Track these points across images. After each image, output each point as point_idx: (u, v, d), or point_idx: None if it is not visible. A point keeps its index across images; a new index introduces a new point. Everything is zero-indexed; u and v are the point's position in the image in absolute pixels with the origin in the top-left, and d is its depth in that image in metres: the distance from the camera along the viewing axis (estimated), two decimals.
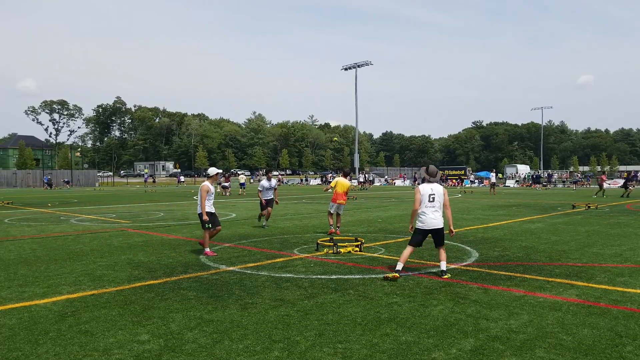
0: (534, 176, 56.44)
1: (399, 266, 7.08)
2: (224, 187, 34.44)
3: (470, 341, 4.43)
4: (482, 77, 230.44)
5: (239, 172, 42.21)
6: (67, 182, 58.02)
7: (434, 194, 7.11)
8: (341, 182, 12.00)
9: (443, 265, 7.16)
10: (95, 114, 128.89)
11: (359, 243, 9.47)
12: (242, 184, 37.25)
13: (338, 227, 12.01)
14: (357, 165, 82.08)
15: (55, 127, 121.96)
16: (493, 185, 35.90)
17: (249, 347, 4.30)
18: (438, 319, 5.07)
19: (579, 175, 56.97)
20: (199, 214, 9.13)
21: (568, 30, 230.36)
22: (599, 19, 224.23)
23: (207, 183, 9.14)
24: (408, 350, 4.22)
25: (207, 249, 8.99)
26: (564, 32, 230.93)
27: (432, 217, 7.09)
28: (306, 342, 4.41)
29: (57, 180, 59.88)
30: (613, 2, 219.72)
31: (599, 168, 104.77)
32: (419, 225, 7.16)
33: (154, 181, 63.07)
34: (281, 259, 8.51)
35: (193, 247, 10.01)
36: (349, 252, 9.10)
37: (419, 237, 7.21)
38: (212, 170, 9.48)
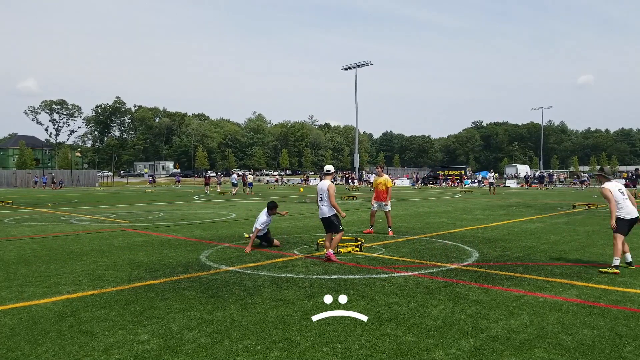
0: (539, 176, 55.80)
1: (617, 261, 7.36)
2: (234, 185, 35.08)
3: (470, 341, 4.43)
4: (482, 77, 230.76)
5: (247, 173, 43.34)
6: (36, 183, 57.66)
7: (621, 189, 7.82)
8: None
9: (629, 257, 7.69)
10: (94, 113, 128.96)
11: (359, 243, 9.47)
12: (249, 184, 37.82)
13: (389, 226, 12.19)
14: (357, 165, 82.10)
15: (55, 127, 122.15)
16: (491, 184, 36.55)
17: (249, 347, 4.30)
18: (438, 319, 5.06)
19: (585, 174, 55.94)
20: (331, 216, 8.39)
21: (568, 31, 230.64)
22: (599, 19, 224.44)
23: (331, 182, 8.63)
24: (408, 350, 4.22)
25: (332, 251, 8.28)
26: (564, 32, 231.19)
27: (632, 207, 7.64)
28: (306, 342, 4.41)
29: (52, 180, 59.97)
30: (613, 3, 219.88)
31: (598, 168, 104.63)
32: (626, 216, 7.58)
33: (154, 181, 63.12)
34: (281, 259, 8.51)
35: (193, 247, 10.01)
36: (349, 252, 9.10)
37: (625, 227, 7.62)
38: (332, 168, 9.01)
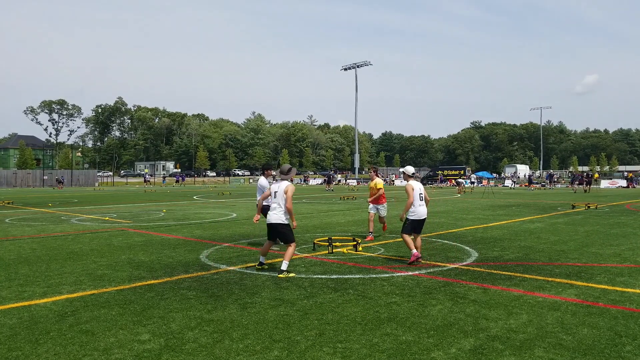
0: (575, 176, 53.91)
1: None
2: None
3: (470, 341, 4.44)
4: (480, 78, 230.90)
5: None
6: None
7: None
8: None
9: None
10: (94, 114, 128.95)
11: (355, 243, 9.48)
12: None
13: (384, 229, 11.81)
14: (357, 165, 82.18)
15: (55, 127, 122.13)
16: (459, 184, 41.36)
17: (249, 347, 4.31)
18: (437, 319, 5.08)
19: (591, 174, 54.97)
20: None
21: (567, 32, 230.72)
22: (599, 22, 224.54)
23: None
24: (408, 349, 4.23)
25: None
26: (564, 33, 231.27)
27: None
28: (306, 342, 4.42)
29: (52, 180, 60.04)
30: (612, 8, 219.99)
31: (598, 168, 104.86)
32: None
33: (148, 181, 63.18)
34: (281, 259, 8.50)
35: (193, 247, 10.02)
36: (343, 252, 9.11)
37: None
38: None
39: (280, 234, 7.26)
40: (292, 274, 7.14)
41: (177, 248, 9.86)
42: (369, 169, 12.68)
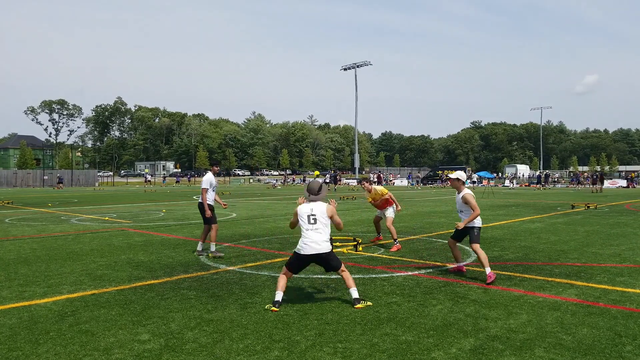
0: (537, 176, 55.39)
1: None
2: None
3: (470, 341, 4.44)
4: (481, 78, 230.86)
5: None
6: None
7: None
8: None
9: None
10: (94, 114, 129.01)
11: (355, 243, 9.47)
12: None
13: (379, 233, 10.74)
14: (357, 165, 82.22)
15: (55, 127, 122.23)
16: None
17: (249, 347, 4.31)
18: (437, 319, 5.07)
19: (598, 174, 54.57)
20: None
21: (568, 32, 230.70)
22: (599, 22, 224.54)
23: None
24: (408, 349, 4.23)
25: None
26: (564, 33, 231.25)
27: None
28: (306, 342, 4.42)
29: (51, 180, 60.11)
30: (611, 8, 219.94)
31: (598, 168, 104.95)
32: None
33: (149, 181, 63.23)
34: (281, 259, 8.51)
35: (193, 247, 10.02)
36: (343, 252, 9.12)
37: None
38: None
39: (327, 264, 5.80)
40: (369, 303, 5.66)
41: (177, 248, 9.86)
42: (360, 183, 10.51)
